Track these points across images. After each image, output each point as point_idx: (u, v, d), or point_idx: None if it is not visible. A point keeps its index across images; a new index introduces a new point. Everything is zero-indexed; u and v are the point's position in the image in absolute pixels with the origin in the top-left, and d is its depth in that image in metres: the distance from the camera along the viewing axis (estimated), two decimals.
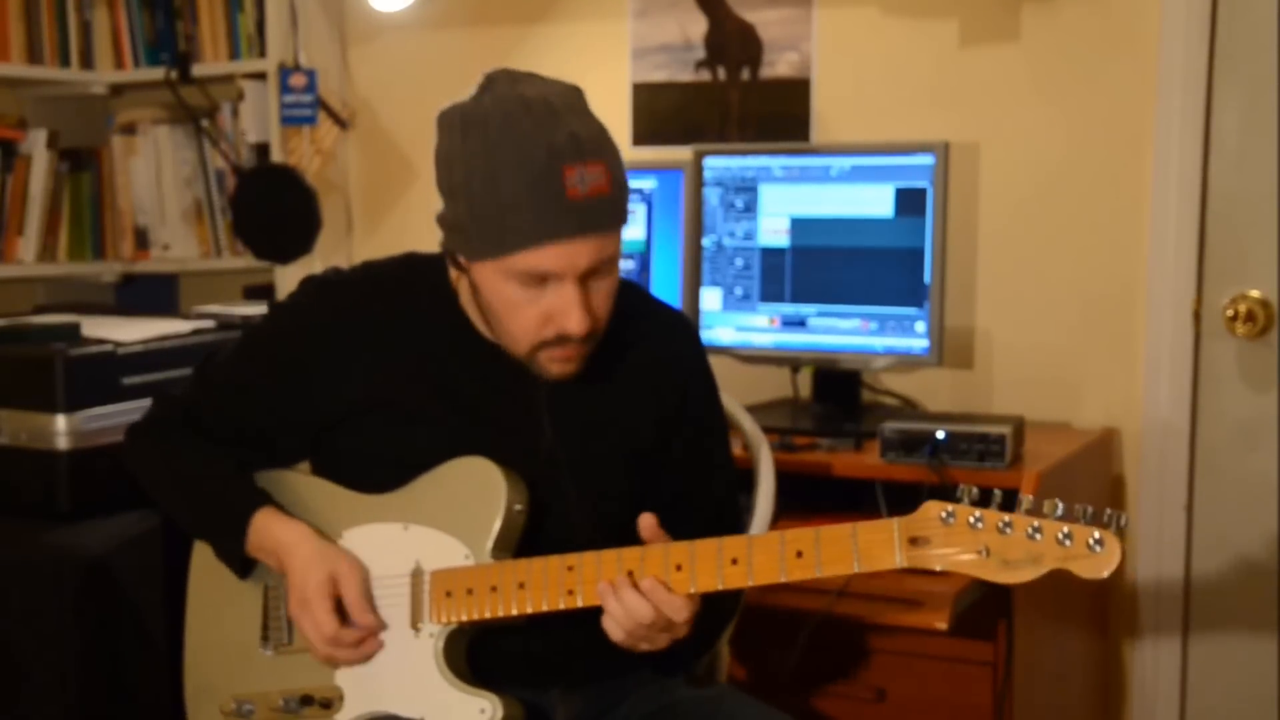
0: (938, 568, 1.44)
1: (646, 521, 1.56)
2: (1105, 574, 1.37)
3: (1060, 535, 1.38)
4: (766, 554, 1.50)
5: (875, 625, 2.05)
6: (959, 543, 1.42)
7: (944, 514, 1.44)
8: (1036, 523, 1.39)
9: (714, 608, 1.64)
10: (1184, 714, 2.69)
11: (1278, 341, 2.59)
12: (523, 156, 1.53)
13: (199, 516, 1.80)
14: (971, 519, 1.42)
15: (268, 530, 1.70)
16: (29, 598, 2.28)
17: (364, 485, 1.72)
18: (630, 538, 1.60)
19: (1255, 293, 2.59)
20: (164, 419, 1.85)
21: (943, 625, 2.01)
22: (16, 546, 2.30)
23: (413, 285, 1.77)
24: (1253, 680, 2.64)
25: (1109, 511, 1.38)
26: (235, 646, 1.78)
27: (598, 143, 1.58)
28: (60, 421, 2.31)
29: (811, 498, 2.38)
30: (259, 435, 1.79)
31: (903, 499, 2.32)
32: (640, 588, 1.53)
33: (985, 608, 2.14)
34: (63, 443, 2.31)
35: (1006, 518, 1.41)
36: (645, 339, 1.78)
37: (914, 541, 1.44)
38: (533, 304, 1.59)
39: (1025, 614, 2.20)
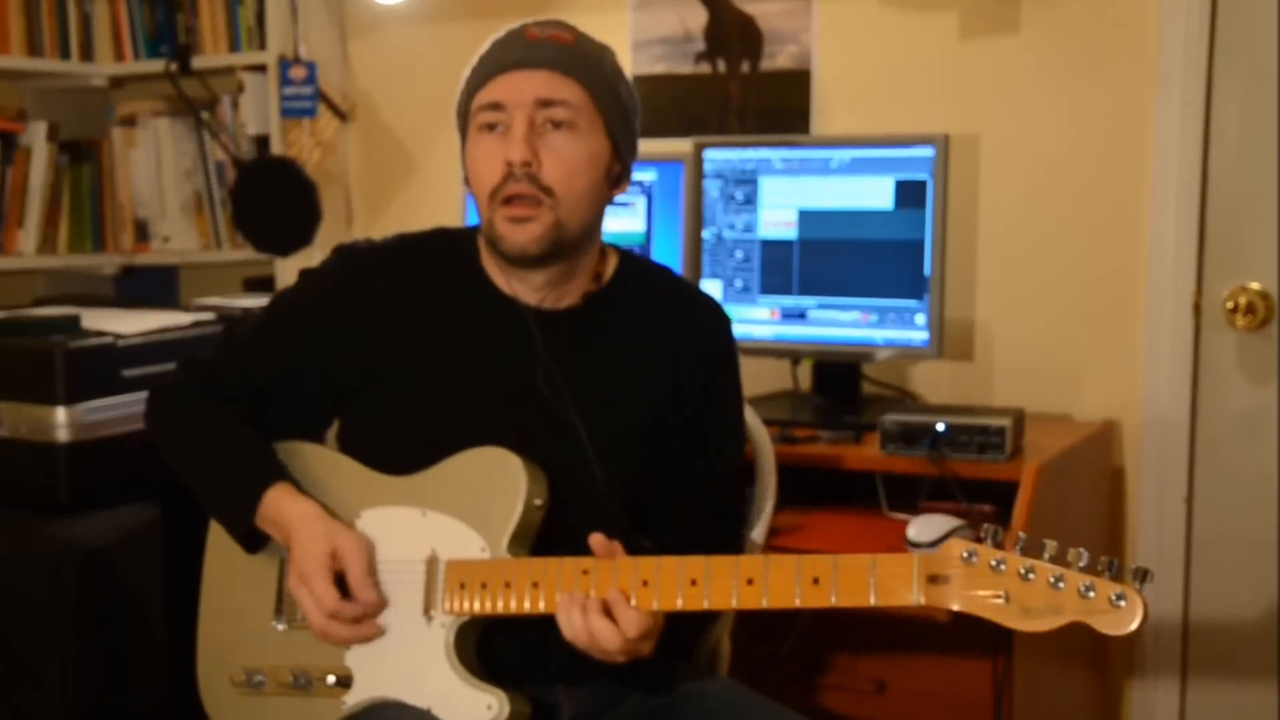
0: (956, 607, 1.42)
1: (596, 540, 1.56)
2: (1126, 631, 1.35)
3: (1083, 587, 1.36)
4: (782, 577, 1.50)
5: (876, 617, 2.05)
6: (979, 585, 1.41)
7: (966, 553, 1.42)
8: (1060, 572, 1.37)
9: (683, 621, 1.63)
10: (1184, 704, 2.70)
11: (1278, 334, 2.59)
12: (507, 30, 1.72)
13: (213, 486, 1.79)
14: (993, 561, 1.40)
15: (278, 505, 1.70)
16: (28, 590, 2.28)
17: (386, 460, 1.72)
18: (648, 512, 1.69)
19: (1255, 285, 2.59)
20: (188, 383, 1.84)
21: (943, 617, 2.01)
22: (16, 539, 2.31)
23: (439, 252, 1.81)
24: (1252, 672, 2.64)
25: (1134, 566, 1.36)
26: (248, 618, 1.78)
27: (575, 31, 1.72)
28: (60, 414, 2.31)
29: (812, 490, 2.38)
30: (280, 399, 1.79)
31: (903, 491, 2.33)
32: (607, 604, 1.54)
33: None
34: (62, 435, 2.31)
35: (1029, 564, 1.39)
36: (679, 320, 1.80)
37: (933, 579, 1.43)
38: (492, 150, 1.68)
39: None
